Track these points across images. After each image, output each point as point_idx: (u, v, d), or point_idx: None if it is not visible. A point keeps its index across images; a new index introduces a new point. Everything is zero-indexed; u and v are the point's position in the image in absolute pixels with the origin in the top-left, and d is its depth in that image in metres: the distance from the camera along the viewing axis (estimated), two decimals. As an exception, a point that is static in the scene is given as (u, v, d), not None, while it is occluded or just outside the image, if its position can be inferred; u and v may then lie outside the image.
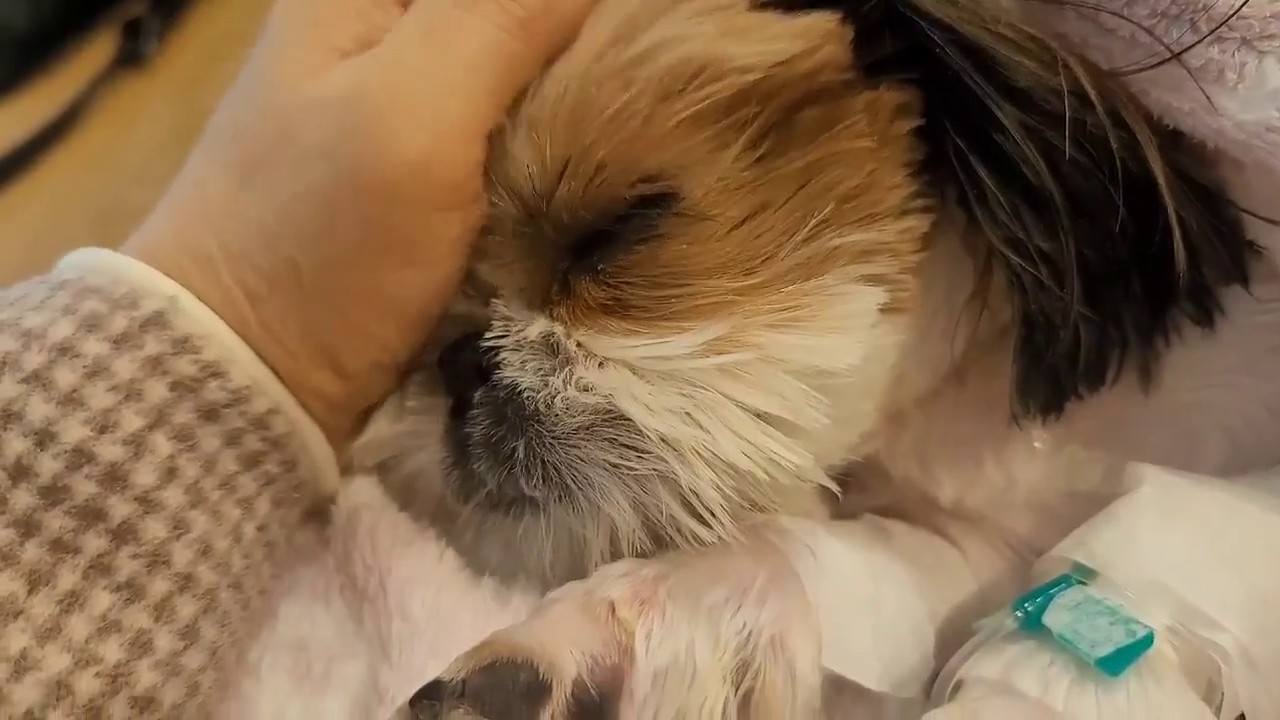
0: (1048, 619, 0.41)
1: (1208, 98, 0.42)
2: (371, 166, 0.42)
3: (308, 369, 0.45)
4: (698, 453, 0.42)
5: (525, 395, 0.44)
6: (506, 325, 0.45)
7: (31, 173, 1.08)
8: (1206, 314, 0.47)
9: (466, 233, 0.45)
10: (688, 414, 0.42)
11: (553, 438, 0.43)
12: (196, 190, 0.46)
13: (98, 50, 1.16)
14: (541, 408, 0.43)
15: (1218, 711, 0.41)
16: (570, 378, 0.43)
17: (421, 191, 0.43)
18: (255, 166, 0.44)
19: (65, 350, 0.41)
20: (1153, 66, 0.43)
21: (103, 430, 0.40)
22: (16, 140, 1.08)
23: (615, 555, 0.45)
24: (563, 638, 0.41)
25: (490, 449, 0.45)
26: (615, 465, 0.43)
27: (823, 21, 0.44)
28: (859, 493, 0.53)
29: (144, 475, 0.41)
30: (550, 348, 0.44)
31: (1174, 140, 0.45)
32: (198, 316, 0.43)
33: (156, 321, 0.42)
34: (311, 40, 0.46)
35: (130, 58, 1.14)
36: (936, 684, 0.45)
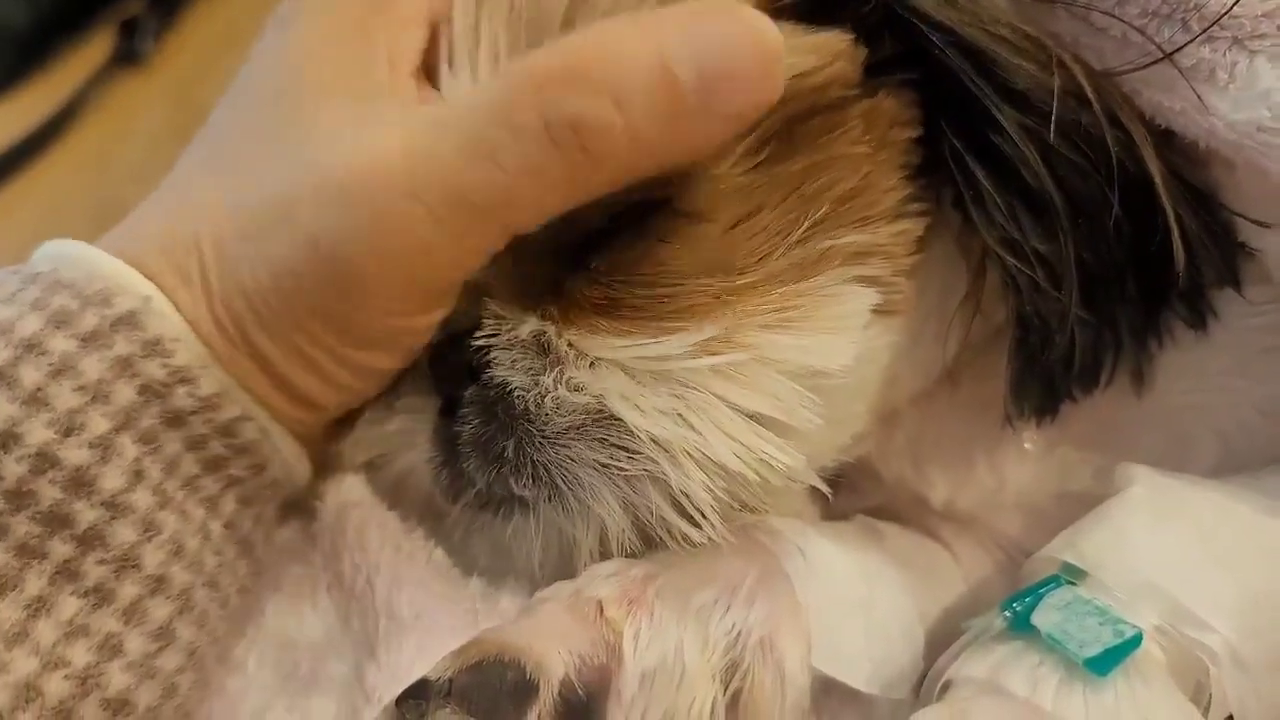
0: (1036, 619, 0.41)
1: (1199, 97, 0.42)
2: (350, 264, 0.40)
3: (289, 376, 0.44)
4: (689, 454, 0.42)
5: (515, 394, 0.44)
6: (497, 324, 0.45)
7: (28, 171, 1.08)
8: (1199, 316, 0.47)
9: (439, 321, 0.44)
10: (679, 415, 0.42)
11: (543, 437, 0.43)
12: (192, 199, 0.44)
13: (95, 49, 1.16)
14: (531, 407, 0.43)
15: (1205, 712, 0.41)
16: (561, 377, 0.43)
17: (390, 303, 0.42)
18: (250, 218, 0.42)
19: (32, 346, 0.39)
20: (1144, 66, 0.43)
21: (68, 432, 0.39)
22: (13, 139, 1.08)
23: (605, 555, 0.45)
24: (550, 637, 0.41)
25: (480, 448, 0.44)
26: (605, 465, 0.43)
27: (836, 40, 0.44)
28: (851, 494, 0.53)
29: (111, 479, 0.40)
30: (541, 347, 0.44)
31: (1166, 140, 0.45)
32: (170, 319, 0.42)
33: (128, 321, 0.41)
34: (339, 74, 0.44)
35: (127, 56, 1.15)
36: (925, 684, 0.45)
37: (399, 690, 0.39)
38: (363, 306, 0.42)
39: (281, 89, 0.45)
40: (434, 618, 0.45)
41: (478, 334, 0.45)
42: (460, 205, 0.40)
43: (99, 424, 0.40)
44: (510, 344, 0.44)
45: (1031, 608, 0.42)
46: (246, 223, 0.42)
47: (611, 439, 0.43)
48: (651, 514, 0.43)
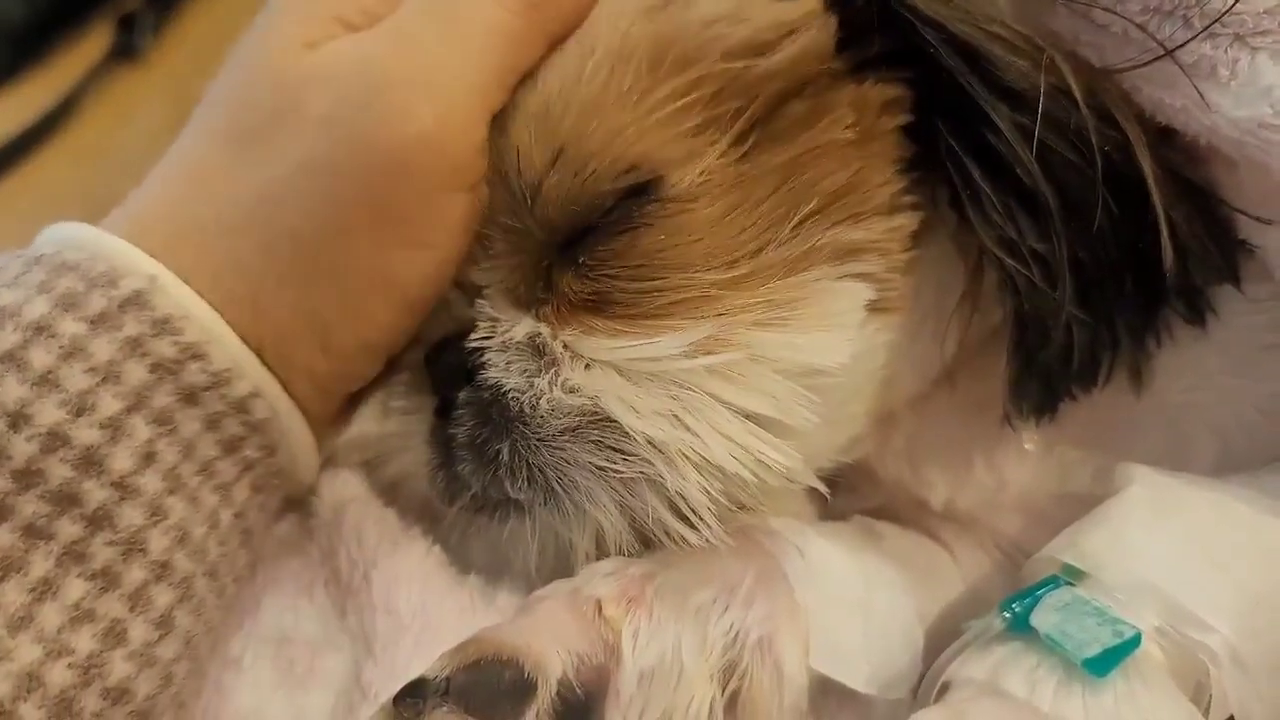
0: (1035, 620, 0.41)
1: (1200, 94, 0.42)
2: (378, 138, 0.42)
3: (296, 345, 0.44)
4: (685, 456, 0.42)
5: (510, 396, 0.44)
6: (492, 325, 0.45)
7: (25, 166, 1.08)
8: (1198, 313, 0.47)
9: (468, 217, 0.44)
10: (675, 416, 0.42)
11: (538, 440, 0.43)
12: (191, 162, 0.45)
13: (92, 44, 1.16)
14: (526, 409, 0.43)
15: (1206, 712, 0.41)
16: (556, 379, 0.43)
17: (427, 167, 0.43)
18: (255, 137, 0.44)
19: (41, 330, 0.40)
20: (1145, 64, 0.43)
21: (79, 413, 0.39)
22: (11, 133, 1.08)
23: (602, 558, 0.45)
24: (549, 636, 0.41)
25: (475, 451, 0.44)
26: (601, 468, 0.43)
27: (804, 4, 0.44)
28: (849, 495, 0.53)
29: (121, 460, 0.40)
30: (536, 349, 0.44)
31: (1166, 138, 0.45)
32: (178, 297, 0.42)
33: (136, 301, 0.41)
34: (315, 11, 0.45)
35: (125, 51, 1.15)
36: (923, 684, 0.45)
37: (396, 687, 0.39)
38: (398, 182, 0.43)
39: (257, 38, 0.46)
40: (432, 614, 0.45)
41: (472, 336, 0.45)
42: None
43: (110, 404, 0.40)
44: (505, 346, 0.44)
45: (1030, 608, 0.42)
46: (241, 152, 0.43)
47: (607, 441, 0.42)
48: (648, 516, 0.43)
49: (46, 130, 1.09)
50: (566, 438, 0.43)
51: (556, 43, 0.44)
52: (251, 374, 0.43)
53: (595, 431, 0.43)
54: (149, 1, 1.16)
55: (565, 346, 0.43)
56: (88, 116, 1.12)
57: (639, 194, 0.42)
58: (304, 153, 0.43)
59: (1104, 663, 0.39)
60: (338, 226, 0.43)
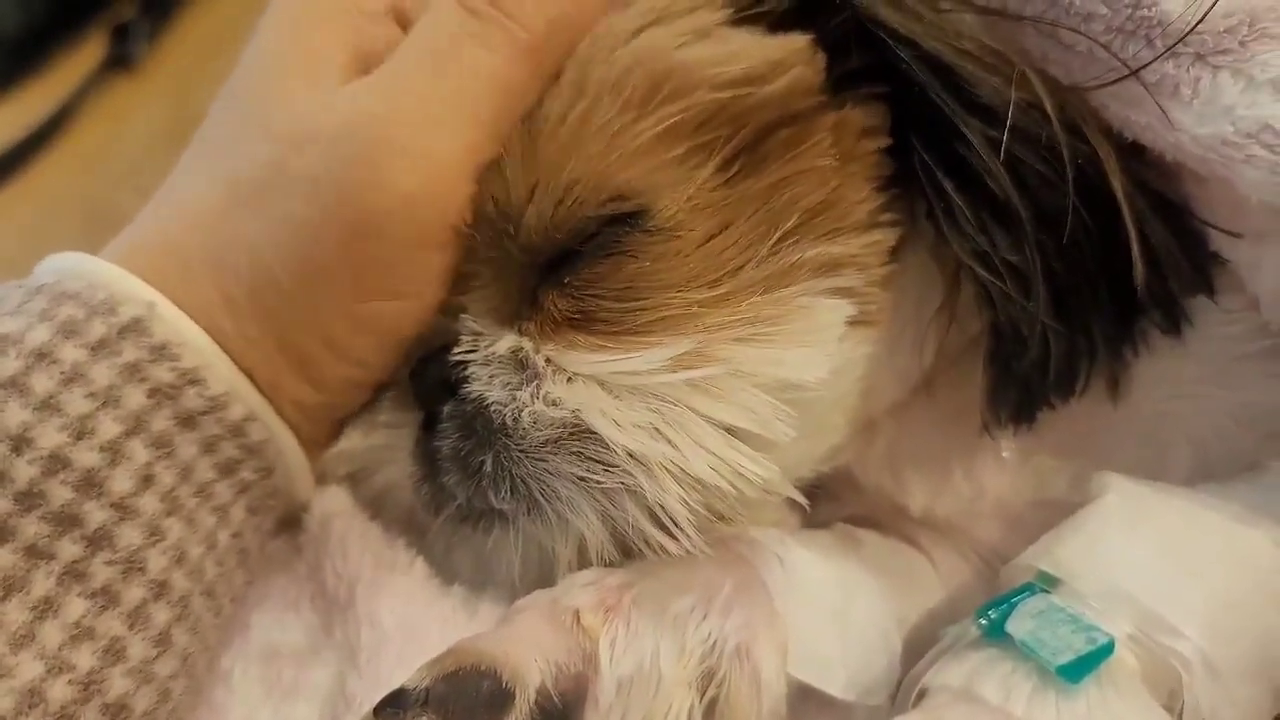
0: (1010, 626, 0.42)
1: (1164, 112, 0.43)
2: (359, 201, 0.43)
3: (284, 378, 0.45)
4: (665, 468, 0.42)
5: (493, 409, 0.44)
6: (475, 340, 0.45)
7: (21, 175, 1.09)
8: (1174, 323, 0.47)
9: (450, 266, 0.45)
10: (655, 429, 0.42)
11: (520, 451, 0.43)
12: (186, 197, 0.46)
13: (87, 53, 1.17)
14: (509, 421, 0.44)
15: (1178, 719, 0.41)
16: (538, 392, 0.44)
17: (408, 229, 0.43)
18: (248, 185, 0.44)
19: (43, 356, 0.41)
20: (1111, 83, 0.43)
21: (79, 436, 0.40)
22: (7, 142, 1.09)
23: (584, 566, 0.45)
24: (527, 646, 0.41)
25: (459, 462, 0.45)
26: (583, 479, 0.43)
27: (794, 42, 0.45)
28: (830, 502, 0.54)
29: (120, 482, 0.41)
30: (519, 362, 0.44)
31: (1138, 153, 0.45)
32: (175, 323, 0.43)
33: (134, 328, 0.42)
34: (307, 58, 0.46)
35: (120, 60, 1.15)
36: (900, 691, 0.45)
37: (379, 698, 0.40)
38: (378, 243, 0.43)
39: (252, 81, 0.47)
40: (416, 626, 0.46)
41: (455, 349, 0.45)
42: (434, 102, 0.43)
43: (110, 428, 0.41)
44: (488, 359, 0.45)
45: (1006, 615, 0.42)
46: (235, 198, 0.44)
47: (588, 453, 0.43)
48: (629, 526, 0.43)
49: (43, 139, 1.10)
50: (549, 449, 0.43)
51: (551, 82, 0.44)
52: (247, 398, 0.44)
53: (577, 443, 0.43)
54: (144, 10, 1.17)
55: (548, 360, 0.44)
56: (84, 125, 1.12)
57: (623, 221, 0.43)
58: (289, 209, 0.44)
59: (1078, 669, 0.40)
60: (319, 281, 0.44)
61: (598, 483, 0.43)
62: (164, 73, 1.15)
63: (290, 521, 0.50)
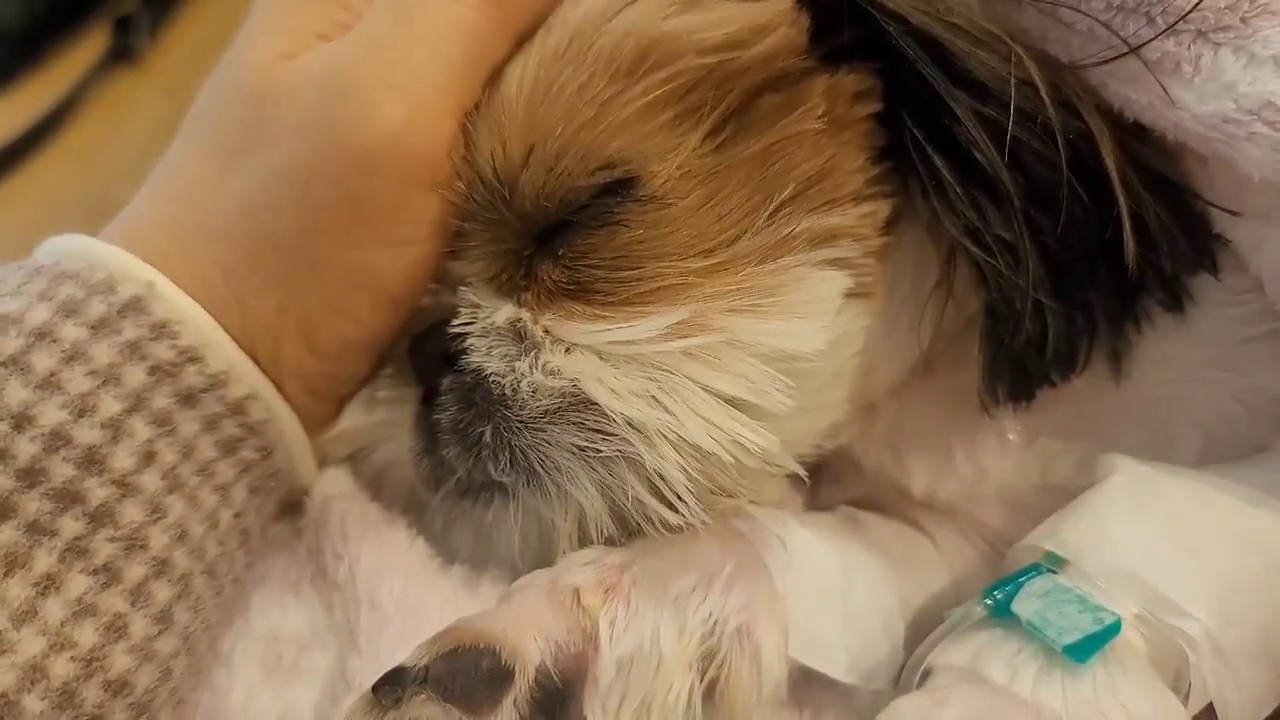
0: (1016, 606, 0.41)
1: (1165, 90, 0.42)
2: (349, 137, 0.43)
3: (284, 345, 0.46)
4: (663, 435, 0.42)
5: (492, 380, 0.44)
6: (474, 312, 0.45)
7: (23, 168, 1.09)
8: (1176, 301, 0.47)
9: (443, 213, 0.45)
10: (653, 397, 0.42)
11: (519, 422, 0.43)
12: (179, 173, 0.46)
13: (89, 46, 1.17)
14: (508, 392, 0.44)
15: (1185, 700, 0.41)
16: (536, 362, 0.44)
17: (399, 163, 0.44)
18: (237, 149, 0.45)
19: (43, 335, 0.41)
20: (1110, 60, 0.43)
21: (80, 414, 0.40)
22: (9, 135, 1.08)
23: (584, 542, 0.45)
24: (527, 625, 0.41)
25: (459, 434, 0.45)
26: (581, 449, 0.43)
27: (777, 3, 0.44)
28: (833, 485, 0.53)
29: (122, 459, 0.41)
30: (517, 333, 0.44)
31: (1139, 133, 0.45)
32: (175, 302, 0.43)
33: (134, 307, 0.42)
34: (289, 26, 0.47)
35: (121, 53, 1.15)
36: (905, 671, 0.45)
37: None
38: (370, 179, 0.43)
39: (233, 56, 0.47)
40: (415, 607, 0.45)
41: (454, 322, 0.45)
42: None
43: (111, 405, 0.41)
44: (486, 331, 0.45)
45: (1012, 595, 0.42)
46: (226, 165, 0.45)
47: (587, 422, 0.43)
48: (628, 497, 0.43)
49: (44, 133, 1.10)
50: (547, 419, 0.43)
51: (524, 38, 0.45)
52: (247, 376, 0.44)
53: (575, 413, 0.43)
54: (145, 4, 1.17)
55: (546, 331, 0.44)
56: (85, 119, 1.13)
57: (615, 190, 0.43)
58: (281, 160, 0.44)
59: (1084, 649, 0.40)
60: (316, 228, 0.44)
61: (596, 451, 0.43)
62: (165, 66, 1.15)
63: (292, 506, 0.50)
